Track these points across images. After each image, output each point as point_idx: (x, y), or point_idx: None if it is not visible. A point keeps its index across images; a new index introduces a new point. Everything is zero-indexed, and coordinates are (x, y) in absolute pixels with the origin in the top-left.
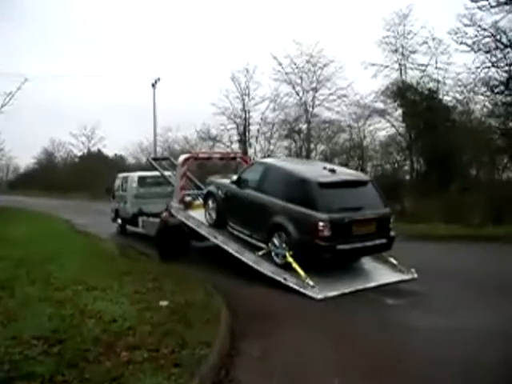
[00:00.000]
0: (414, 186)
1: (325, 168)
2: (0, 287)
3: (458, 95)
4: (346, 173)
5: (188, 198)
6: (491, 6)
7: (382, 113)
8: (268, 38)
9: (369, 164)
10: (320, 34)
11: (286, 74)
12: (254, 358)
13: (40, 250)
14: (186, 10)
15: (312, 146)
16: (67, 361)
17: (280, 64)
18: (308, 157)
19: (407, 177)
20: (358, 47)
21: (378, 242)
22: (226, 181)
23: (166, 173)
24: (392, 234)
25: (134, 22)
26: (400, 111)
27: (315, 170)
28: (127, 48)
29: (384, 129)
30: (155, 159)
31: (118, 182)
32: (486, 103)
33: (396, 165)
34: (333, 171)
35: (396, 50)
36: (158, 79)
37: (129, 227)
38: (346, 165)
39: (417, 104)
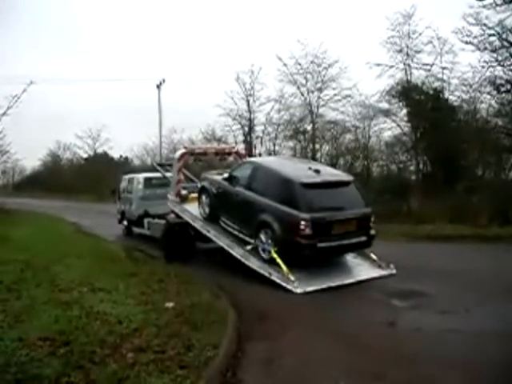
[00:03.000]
0: (419, 186)
1: (310, 168)
2: (7, 289)
3: (463, 95)
4: (329, 173)
5: (184, 192)
6: (496, 5)
7: (387, 113)
8: (272, 38)
9: (374, 164)
10: (324, 34)
11: (291, 74)
12: (261, 360)
13: (46, 252)
14: (190, 12)
15: (317, 146)
16: (73, 363)
17: (285, 65)
18: (313, 157)
19: (413, 177)
20: (362, 47)
21: (358, 240)
22: (219, 177)
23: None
24: (372, 232)
25: (139, 24)
26: (405, 111)
27: (300, 171)
28: (131, 50)
29: (389, 129)
30: (160, 165)
31: (123, 184)
32: (492, 102)
33: (401, 165)
34: (317, 171)
35: (401, 50)
36: (163, 81)
37: (135, 229)
38: (351, 165)
39: (422, 104)
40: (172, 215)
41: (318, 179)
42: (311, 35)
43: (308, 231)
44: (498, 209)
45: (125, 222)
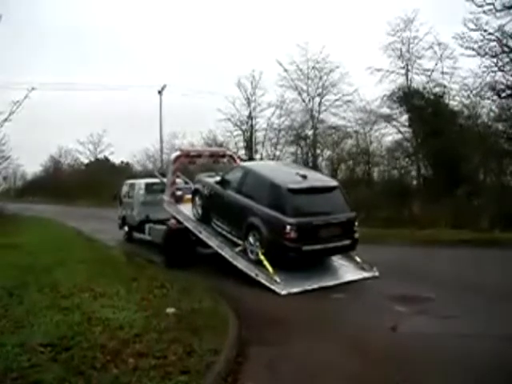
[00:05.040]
0: (421, 192)
1: (297, 174)
2: (8, 294)
3: (464, 100)
4: (315, 179)
5: (179, 193)
6: (496, 10)
7: (387, 118)
8: (273, 44)
9: (375, 169)
10: (325, 39)
11: (292, 80)
12: (262, 365)
13: (47, 257)
14: (191, 18)
15: (318, 151)
16: (74, 368)
17: (286, 70)
18: (314, 162)
19: (414, 182)
20: (363, 53)
21: (342, 243)
22: (212, 180)
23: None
24: (356, 236)
25: (139, 30)
26: (406, 116)
27: (288, 176)
28: (132, 57)
29: (390, 134)
30: (162, 174)
31: (124, 189)
32: (493, 107)
33: (403, 170)
34: (304, 177)
35: (401, 56)
36: (165, 86)
37: (135, 234)
38: (352, 170)
39: (423, 109)
40: (173, 221)
41: (304, 185)
42: (312, 41)
43: (293, 235)
44: (500, 213)
45: (126, 228)
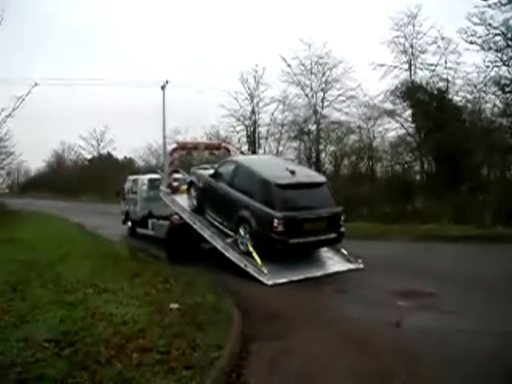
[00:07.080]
0: (424, 187)
1: (286, 169)
2: (12, 289)
3: (468, 95)
4: (303, 174)
5: (175, 183)
6: (501, 4)
7: (391, 113)
8: (276, 39)
9: (378, 165)
10: (328, 34)
11: (295, 75)
12: (266, 360)
13: (51, 253)
14: (192, 14)
15: (321, 147)
16: (78, 363)
17: (289, 65)
18: (318, 158)
19: (417, 177)
20: (366, 48)
21: (327, 236)
22: (206, 172)
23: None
24: (342, 229)
25: (140, 27)
26: (409, 112)
27: (277, 171)
28: (135, 52)
29: (393, 129)
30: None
31: (128, 185)
32: (497, 102)
33: (406, 165)
34: (293, 172)
35: (405, 51)
36: (167, 82)
37: (139, 229)
38: (355, 165)
39: (426, 104)
40: (176, 216)
41: (292, 180)
42: (315, 36)
43: (281, 228)
44: (503, 208)
45: (129, 223)
